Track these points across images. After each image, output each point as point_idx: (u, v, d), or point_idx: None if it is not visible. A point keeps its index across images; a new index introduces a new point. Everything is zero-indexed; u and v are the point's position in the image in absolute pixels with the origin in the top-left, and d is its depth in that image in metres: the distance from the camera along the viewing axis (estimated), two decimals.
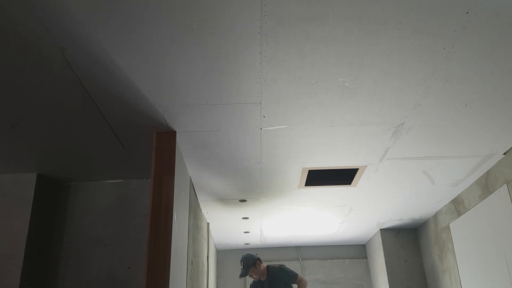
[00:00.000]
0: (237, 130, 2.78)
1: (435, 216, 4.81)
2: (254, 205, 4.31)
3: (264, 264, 4.22)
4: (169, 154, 2.73)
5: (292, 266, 6.18)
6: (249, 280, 4.25)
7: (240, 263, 4.18)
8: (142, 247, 3.29)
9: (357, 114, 2.61)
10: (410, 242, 5.45)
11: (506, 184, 3.29)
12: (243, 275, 4.14)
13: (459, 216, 4.16)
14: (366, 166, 3.39)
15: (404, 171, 3.50)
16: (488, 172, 3.54)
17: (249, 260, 4.11)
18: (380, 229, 5.47)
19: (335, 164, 3.35)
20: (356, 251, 6.32)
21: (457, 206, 4.21)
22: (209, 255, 4.85)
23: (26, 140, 2.82)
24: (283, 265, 4.29)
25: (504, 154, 3.25)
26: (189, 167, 3.31)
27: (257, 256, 4.17)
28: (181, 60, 2.07)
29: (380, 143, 3.00)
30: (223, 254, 6.30)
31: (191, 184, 3.55)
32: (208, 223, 4.82)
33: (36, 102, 2.39)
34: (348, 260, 6.22)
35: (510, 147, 3.14)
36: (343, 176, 3.63)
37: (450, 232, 4.41)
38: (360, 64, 2.15)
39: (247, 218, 4.78)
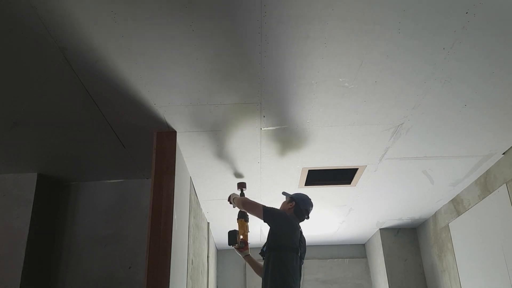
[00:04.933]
0: (237, 130, 2.78)
1: (435, 215, 4.81)
2: None
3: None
4: (169, 154, 2.74)
5: None
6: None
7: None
8: (142, 247, 3.29)
9: (357, 114, 2.61)
10: (409, 242, 5.44)
11: (505, 184, 3.29)
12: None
13: (459, 215, 4.16)
14: (366, 166, 3.40)
15: (404, 171, 3.51)
16: (487, 172, 3.55)
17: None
18: (380, 229, 5.48)
19: (335, 164, 3.36)
20: (356, 251, 6.32)
21: (457, 205, 4.21)
22: (210, 255, 4.85)
23: (27, 140, 2.82)
24: None
25: (503, 154, 3.25)
26: (189, 167, 3.31)
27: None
28: (181, 60, 2.08)
29: (380, 143, 3.00)
30: (223, 254, 6.30)
31: (191, 184, 3.55)
32: (208, 223, 4.82)
33: (37, 102, 2.39)
34: (347, 259, 6.22)
35: (509, 147, 3.15)
36: (342, 176, 3.62)
37: (449, 231, 4.42)
38: (360, 64, 2.15)
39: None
